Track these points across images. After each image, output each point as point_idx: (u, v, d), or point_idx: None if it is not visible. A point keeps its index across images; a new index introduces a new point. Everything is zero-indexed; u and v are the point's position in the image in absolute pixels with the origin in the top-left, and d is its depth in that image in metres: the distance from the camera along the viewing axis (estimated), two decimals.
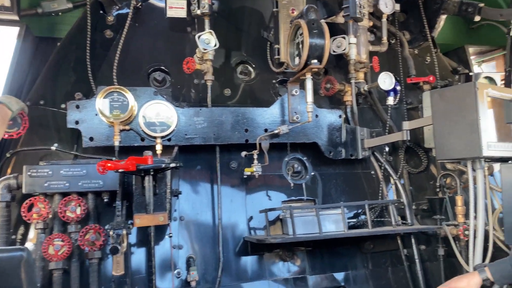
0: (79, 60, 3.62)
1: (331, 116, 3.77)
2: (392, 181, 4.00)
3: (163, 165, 2.73)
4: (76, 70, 3.62)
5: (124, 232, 2.60)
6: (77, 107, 3.21)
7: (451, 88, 3.32)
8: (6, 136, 2.95)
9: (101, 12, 3.79)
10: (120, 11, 3.85)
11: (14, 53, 3.62)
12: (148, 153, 2.79)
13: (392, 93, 3.88)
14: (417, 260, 3.81)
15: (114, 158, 3.25)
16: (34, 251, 3.01)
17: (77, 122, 3.20)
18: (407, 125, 3.59)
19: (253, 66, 4.03)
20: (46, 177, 2.99)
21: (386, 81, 3.76)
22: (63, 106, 3.46)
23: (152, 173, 2.79)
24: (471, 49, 5.26)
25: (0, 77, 3.85)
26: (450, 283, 2.66)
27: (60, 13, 3.96)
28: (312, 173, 3.84)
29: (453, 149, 3.05)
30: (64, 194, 3.08)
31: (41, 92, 3.53)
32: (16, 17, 3.50)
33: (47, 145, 3.32)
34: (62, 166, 3.05)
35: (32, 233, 3.16)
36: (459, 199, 3.63)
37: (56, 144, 3.30)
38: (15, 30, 3.68)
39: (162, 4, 3.86)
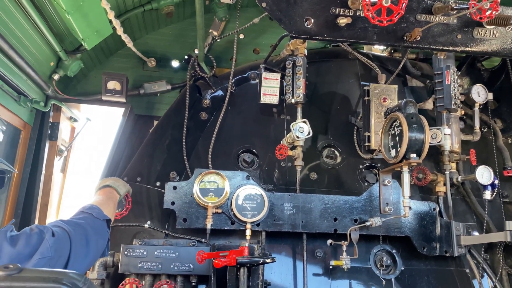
0: (174, 139, 3.79)
1: (424, 208, 3.59)
2: (490, 283, 3.66)
3: (261, 261, 2.68)
4: (171, 149, 3.77)
5: None
6: (174, 188, 3.31)
7: None
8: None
9: (197, 95, 4.01)
10: (214, 94, 4.05)
11: (118, 131, 3.86)
12: (245, 244, 2.76)
13: (489, 187, 3.66)
14: None
15: (203, 240, 3.28)
16: None
17: (172, 203, 3.28)
18: (511, 225, 3.32)
19: (340, 150, 4.00)
20: (140, 257, 3.03)
21: (484, 175, 3.57)
22: (158, 184, 3.58)
23: (247, 265, 2.74)
24: None
25: (96, 153, 4.14)
26: None
27: (158, 94, 4.27)
28: (402, 268, 3.60)
29: None
30: (154, 275, 3.10)
31: (138, 169, 3.68)
32: (123, 99, 3.79)
33: (140, 222, 3.41)
34: (157, 247, 3.09)
35: None
36: None
37: (149, 222, 3.38)
38: (120, 110, 3.96)
39: (252, 88, 4.01)
